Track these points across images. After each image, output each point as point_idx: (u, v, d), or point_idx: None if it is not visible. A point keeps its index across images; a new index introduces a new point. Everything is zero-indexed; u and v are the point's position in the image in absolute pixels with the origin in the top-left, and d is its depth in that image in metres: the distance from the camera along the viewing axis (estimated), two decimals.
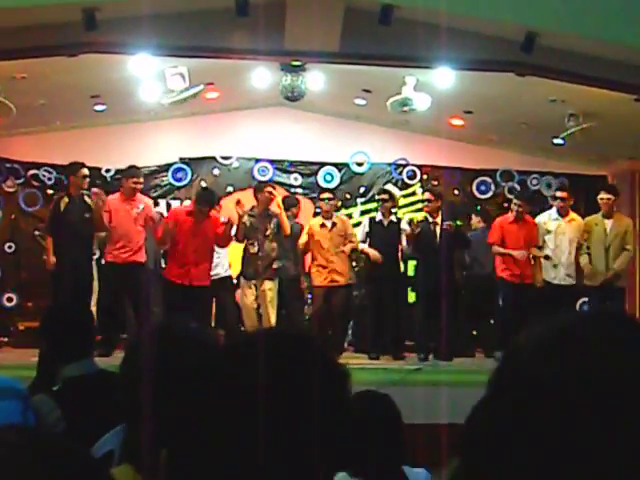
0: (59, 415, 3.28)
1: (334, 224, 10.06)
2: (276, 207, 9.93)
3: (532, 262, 10.08)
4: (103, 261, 10.00)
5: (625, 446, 0.79)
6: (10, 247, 11.72)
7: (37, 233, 10.26)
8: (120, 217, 9.42)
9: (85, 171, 9.54)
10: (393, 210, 10.58)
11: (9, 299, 11.43)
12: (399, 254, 10.36)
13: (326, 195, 10.36)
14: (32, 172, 11.93)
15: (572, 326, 0.89)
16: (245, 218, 9.73)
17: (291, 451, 1.04)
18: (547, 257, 9.99)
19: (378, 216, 10.35)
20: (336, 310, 10.05)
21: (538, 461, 0.81)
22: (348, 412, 1.14)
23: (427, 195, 10.28)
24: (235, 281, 10.69)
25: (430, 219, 10.04)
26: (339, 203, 12.67)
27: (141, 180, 9.69)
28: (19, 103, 9.86)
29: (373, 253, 10.07)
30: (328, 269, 9.94)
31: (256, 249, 9.62)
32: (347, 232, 10.10)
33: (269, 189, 10.06)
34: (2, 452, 0.77)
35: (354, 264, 11.22)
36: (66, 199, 9.42)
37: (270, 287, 9.63)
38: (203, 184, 12.70)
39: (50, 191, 11.66)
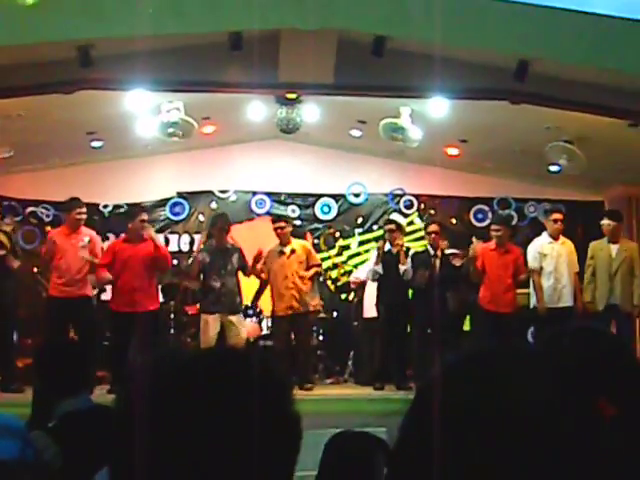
0: (56, 451, 3.26)
1: (293, 250, 9.96)
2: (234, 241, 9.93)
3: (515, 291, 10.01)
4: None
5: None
6: None
7: (36, 270, 10.24)
8: (65, 250, 9.33)
9: None
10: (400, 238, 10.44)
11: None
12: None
13: (280, 224, 10.11)
14: (30, 209, 11.97)
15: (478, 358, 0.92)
16: (202, 254, 9.73)
17: (239, 469, 1.04)
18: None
19: (387, 246, 10.31)
20: (301, 339, 9.93)
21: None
22: (292, 424, 1.14)
23: (434, 227, 10.18)
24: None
25: (432, 251, 10.00)
26: (337, 234, 12.70)
27: (84, 210, 9.52)
28: (16, 141, 9.92)
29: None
30: (288, 296, 9.78)
31: (218, 284, 9.55)
32: (309, 258, 9.98)
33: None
34: None
35: (352, 295, 11.19)
36: None
37: (238, 320, 9.58)
38: (201, 218, 12.75)
39: (48, 228, 11.67)
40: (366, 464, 2.85)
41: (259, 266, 9.83)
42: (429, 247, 10.11)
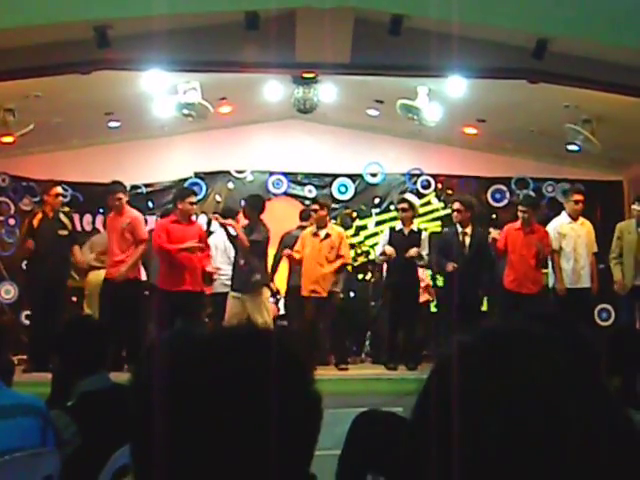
0: (75, 430, 3.29)
1: (328, 235, 9.86)
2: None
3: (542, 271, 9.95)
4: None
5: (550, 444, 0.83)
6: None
7: None
8: (111, 233, 9.53)
9: (58, 189, 9.71)
10: (413, 219, 10.25)
11: (27, 316, 11.47)
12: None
13: (314, 207, 10.04)
14: None
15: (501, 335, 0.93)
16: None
17: (257, 448, 1.05)
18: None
19: (398, 225, 10.23)
20: (322, 320, 9.82)
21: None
22: (312, 404, 1.14)
23: (457, 205, 9.98)
24: None
25: (460, 229, 9.91)
26: (354, 214, 12.69)
27: (118, 196, 9.54)
28: (34, 121, 9.94)
29: (390, 250, 9.93)
30: (313, 279, 9.72)
31: (242, 262, 9.55)
32: (339, 246, 9.84)
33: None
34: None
35: (369, 275, 11.18)
36: (39, 216, 9.62)
37: (258, 300, 9.46)
38: (218, 198, 12.78)
39: (67, 208, 11.71)
40: (394, 444, 2.84)
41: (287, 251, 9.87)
42: (457, 225, 9.95)
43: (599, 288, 10.02)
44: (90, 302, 10.15)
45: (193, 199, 9.56)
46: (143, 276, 10.06)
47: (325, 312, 9.79)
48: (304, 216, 10.87)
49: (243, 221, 9.89)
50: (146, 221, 11.99)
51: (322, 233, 9.81)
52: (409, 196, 10.69)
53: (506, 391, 0.85)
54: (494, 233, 10.55)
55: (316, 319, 9.79)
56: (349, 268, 10.72)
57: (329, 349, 10.11)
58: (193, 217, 9.80)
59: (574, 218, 9.95)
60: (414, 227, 10.10)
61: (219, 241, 10.29)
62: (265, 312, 9.49)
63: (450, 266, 9.62)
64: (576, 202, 9.92)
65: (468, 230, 9.83)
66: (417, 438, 0.91)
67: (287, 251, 9.95)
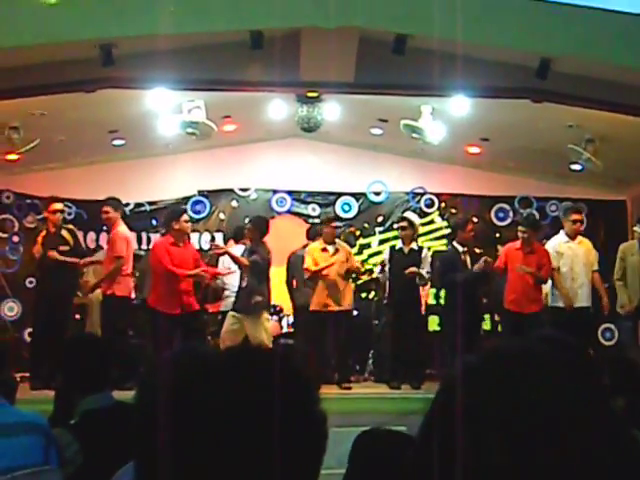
0: (77, 449, 3.28)
1: (337, 250, 9.93)
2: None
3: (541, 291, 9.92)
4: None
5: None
6: (31, 282, 11.77)
7: None
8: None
9: (56, 205, 9.76)
10: (413, 238, 10.22)
11: (30, 334, 11.46)
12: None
13: (335, 224, 10.19)
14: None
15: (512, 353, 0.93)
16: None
17: (262, 467, 1.04)
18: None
19: (398, 244, 10.25)
20: (334, 336, 9.82)
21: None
22: (317, 424, 1.14)
23: (471, 225, 10.18)
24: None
25: (460, 248, 9.94)
26: (358, 232, 12.70)
27: (104, 209, 9.63)
28: (39, 139, 9.97)
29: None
30: (324, 294, 9.76)
31: (244, 283, 9.57)
32: (349, 261, 9.96)
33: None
34: None
35: (372, 294, 11.18)
36: (43, 233, 9.75)
37: (256, 321, 9.36)
38: (222, 216, 12.79)
39: (71, 225, 11.72)
40: (397, 462, 2.83)
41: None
42: (456, 245, 9.98)
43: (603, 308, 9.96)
44: (93, 319, 10.18)
45: (187, 217, 9.65)
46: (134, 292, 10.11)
47: (340, 327, 9.79)
48: (312, 234, 10.87)
49: None
50: (149, 239, 12.10)
51: (331, 248, 9.87)
52: (409, 214, 10.69)
53: (511, 410, 0.85)
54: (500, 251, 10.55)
55: (328, 335, 9.79)
56: (352, 286, 10.72)
57: (333, 367, 10.08)
58: (190, 236, 9.84)
59: (572, 237, 9.89)
60: (414, 245, 10.10)
61: (228, 260, 10.30)
62: (263, 332, 9.43)
63: (482, 262, 9.66)
64: (574, 222, 9.87)
65: (466, 249, 9.88)
66: (424, 456, 0.91)
67: None
